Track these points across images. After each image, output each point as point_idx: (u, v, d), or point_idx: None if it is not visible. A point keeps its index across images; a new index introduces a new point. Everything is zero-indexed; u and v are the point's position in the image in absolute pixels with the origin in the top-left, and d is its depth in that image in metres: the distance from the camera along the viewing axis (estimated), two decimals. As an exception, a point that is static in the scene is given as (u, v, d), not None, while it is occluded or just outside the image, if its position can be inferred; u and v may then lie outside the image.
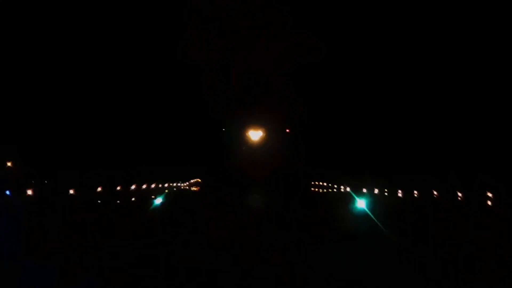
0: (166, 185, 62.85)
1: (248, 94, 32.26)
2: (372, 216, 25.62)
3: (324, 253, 16.72)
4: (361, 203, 30.00)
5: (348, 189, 55.09)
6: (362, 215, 27.34)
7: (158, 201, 34.64)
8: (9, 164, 50.93)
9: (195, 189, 66.52)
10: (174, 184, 66.29)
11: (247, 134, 35.09)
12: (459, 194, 42.66)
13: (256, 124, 35.16)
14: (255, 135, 35.90)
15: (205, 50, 30.86)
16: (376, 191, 52.24)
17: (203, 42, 30.96)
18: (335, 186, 62.27)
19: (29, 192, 43.92)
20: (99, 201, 42.49)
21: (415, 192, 48.12)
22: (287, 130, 37.85)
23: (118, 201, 43.48)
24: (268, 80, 31.90)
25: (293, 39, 31.66)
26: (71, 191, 46.34)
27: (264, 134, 36.00)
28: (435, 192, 45.85)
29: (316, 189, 65.22)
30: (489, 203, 38.45)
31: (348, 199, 39.11)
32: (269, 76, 31.53)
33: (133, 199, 46.48)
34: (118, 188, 52.78)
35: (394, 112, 48.79)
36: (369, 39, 43.53)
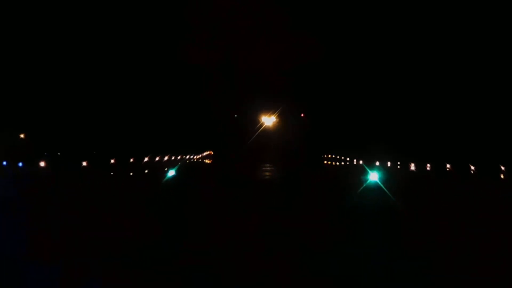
0: (179, 157, 63.05)
1: (250, 90, 32.39)
2: (386, 190, 25.50)
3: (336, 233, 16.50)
4: (373, 176, 29.89)
5: (360, 162, 55.08)
6: (375, 188, 27.24)
7: (171, 173, 34.69)
8: (22, 136, 51.27)
9: (208, 161, 66.81)
10: (187, 157, 66.50)
11: (261, 119, 35.31)
12: (472, 168, 42.50)
13: (271, 109, 35.37)
14: (269, 120, 36.15)
15: (205, 49, 30.91)
16: (388, 164, 52.22)
17: (204, 42, 30.99)
18: (348, 159, 62.33)
19: (42, 164, 44.14)
20: (111, 173, 42.63)
21: (428, 165, 47.99)
22: (302, 115, 38.04)
23: (131, 173, 43.62)
24: (270, 75, 31.96)
25: (293, 39, 31.58)
26: (84, 163, 46.55)
27: (279, 119, 36.22)
28: (448, 165, 45.71)
29: (329, 162, 65.40)
30: (502, 176, 38.25)
31: (360, 172, 39.08)
32: (271, 74, 31.58)
33: (146, 171, 46.62)
34: (131, 160, 53.00)
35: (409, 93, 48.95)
36: (370, 34, 43.47)
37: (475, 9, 44.26)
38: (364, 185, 28.52)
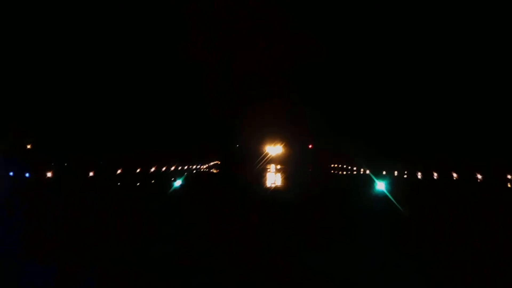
0: (185, 167, 63.09)
1: (254, 96, 32.32)
2: (393, 199, 25.42)
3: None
4: (380, 185, 29.85)
5: (367, 171, 54.92)
6: (382, 197, 27.20)
7: (178, 183, 34.75)
8: (28, 146, 51.35)
9: (214, 171, 66.77)
10: (194, 166, 66.52)
11: (267, 149, 35.42)
12: (479, 176, 42.35)
13: (280, 140, 35.49)
14: (275, 150, 36.38)
15: (206, 50, 30.87)
16: (395, 173, 52.09)
17: (203, 42, 30.95)
18: (355, 168, 62.17)
19: (49, 174, 44.29)
20: (118, 183, 42.72)
21: (435, 173, 47.89)
22: (310, 146, 38.17)
23: (137, 184, 43.72)
24: (271, 81, 31.90)
25: (295, 39, 31.51)
26: (91, 173, 46.64)
27: (288, 151, 36.33)
28: (454, 174, 45.56)
29: (337, 172, 65.25)
30: (509, 185, 38.05)
31: (368, 181, 39.08)
32: (271, 77, 31.52)
33: (152, 181, 46.72)
34: (138, 170, 53.05)
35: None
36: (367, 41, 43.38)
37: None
38: (371, 194, 28.49)
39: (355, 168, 62.36)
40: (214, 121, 33.56)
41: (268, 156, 36.29)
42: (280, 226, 18.77)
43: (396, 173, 51.99)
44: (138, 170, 53.19)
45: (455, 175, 45.33)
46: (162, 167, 57.92)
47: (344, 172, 64.48)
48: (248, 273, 11.41)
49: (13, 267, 10.33)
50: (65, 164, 53.73)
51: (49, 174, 44.22)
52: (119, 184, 42.63)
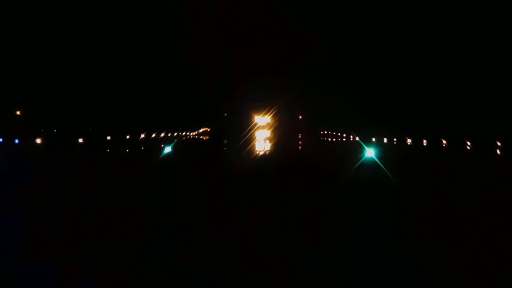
0: (175, 134, 63.04)
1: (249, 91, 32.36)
2: (382, 166, 25.56)
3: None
4: (370, 152, 29.97)
5: (357, 138, 55.13)
6: (372, 164, 27.34)
7: (167, 150, 34.83)
8: (18, 113, 51.15)
9: (204, 138, 66.85)
10: (183, 133, 66.48)
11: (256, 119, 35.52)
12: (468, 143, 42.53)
13: (270, 109, 35.59)
14: (265, 119, 36.53)
15: (206, 50, 30.74)
16: (385, 140, 52.25)
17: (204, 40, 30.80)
18: (344, 135, 62.40)
19: (38, 141, 44.07)
20: (108, 150, 42.64)
21: (424, 140, 48.06)
22: (300, 117, 38.42)
23: (127, 150, 43.65)
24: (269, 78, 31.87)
25: (294, 39, 31.41)
26: (80, 140, 46.52)
27: (277, 119, 36.44)
28: (444, 141, 45.73)
29: (326, 138, 65.55)
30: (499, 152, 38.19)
31: (357, 148, 39.25)
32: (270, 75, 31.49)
33: (142, 148, 46.68)
34: (128, 137, 52.93)
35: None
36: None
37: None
38: (361, 161, 28.61)
39: (344, 135, 62.61)
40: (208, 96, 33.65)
41: (258, 124, 36.45)
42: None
43: (385, 140, 52.18)
44: (127, 137, 53.15)
45: (444, 141, 45.45)
46: (152, 134, 57.93)
47: (334, 139, 64.79)
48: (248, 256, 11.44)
49: (13, 267, 10.29)
50: (54, 131, 53.62)
51: (38, 141, 44.02)
52: (108, 151, 42.59)
